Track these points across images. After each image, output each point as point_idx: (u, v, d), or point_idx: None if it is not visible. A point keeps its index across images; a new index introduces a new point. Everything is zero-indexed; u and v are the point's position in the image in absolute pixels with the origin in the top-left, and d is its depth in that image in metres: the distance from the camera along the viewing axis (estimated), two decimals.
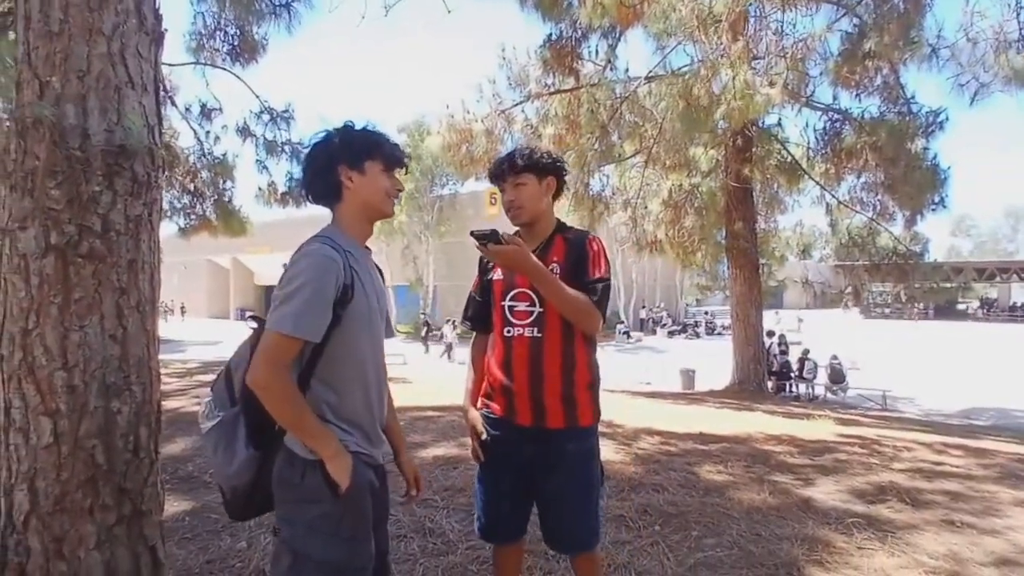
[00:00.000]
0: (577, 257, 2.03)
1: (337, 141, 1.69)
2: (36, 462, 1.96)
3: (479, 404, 2.20)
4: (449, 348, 22.37)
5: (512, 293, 2.07)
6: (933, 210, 11.51)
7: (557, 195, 2.18)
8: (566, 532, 2.10)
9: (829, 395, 15.11)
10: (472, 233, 1.89)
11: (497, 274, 2.13)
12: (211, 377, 9.73)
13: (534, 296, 2.02)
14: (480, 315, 2.23)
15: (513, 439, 2.06)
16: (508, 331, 2.06)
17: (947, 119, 10.78)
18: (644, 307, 35.62)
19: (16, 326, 1.96)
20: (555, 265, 2.02)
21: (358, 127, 1.72)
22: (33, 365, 1.94)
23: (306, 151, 1.73)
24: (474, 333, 2.31)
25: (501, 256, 1.86)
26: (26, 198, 1.94)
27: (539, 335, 2.01)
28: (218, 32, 9.03)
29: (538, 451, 2.03)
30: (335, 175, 1.66)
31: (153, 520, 2.16)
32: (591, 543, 2.12)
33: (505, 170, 2.08)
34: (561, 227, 2.16)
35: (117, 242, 2.03)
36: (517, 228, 2.17)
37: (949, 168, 11.06)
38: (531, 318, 2.02)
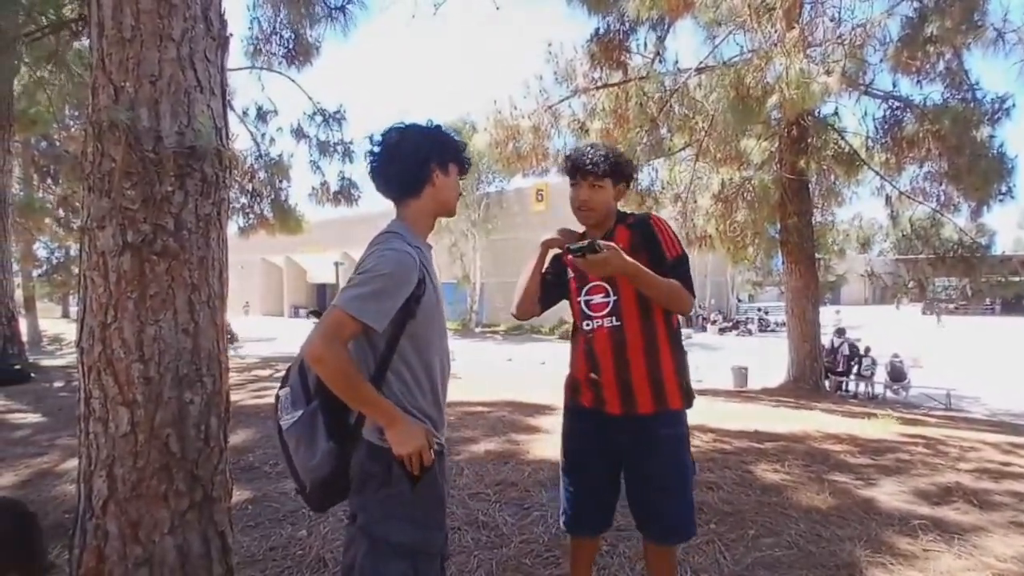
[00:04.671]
0: (645, 239, 2.03)
1: (433, 139, 1.72)
2: (114, 450, 2.06)
3: (566, 398, 2.20)
4: None
5: (587, 287, 2.09)
6: (1000, 200, 10.97)
7: (623, 198, 2.20)
8: (661, 519, 2.08)
9: (889, 394, 14.57)
10: (571, 248, 1.87)
11: (569, 273, 2.16)
12: (268, 372, 10.02)
13: (608, 287, 2.03)
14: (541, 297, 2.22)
15: (604, 430, 2.07)
16: (588, 324, 2.08)
17: (1014, 106, 10.27)
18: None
19: (96, 320, 2.07)
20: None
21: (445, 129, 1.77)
22: (112, 357, 2.05)
23: (389, 140, 1.72)
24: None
25: (603, 264, 1.85)
26: (104, 198, 2.04)
27: (618, 323, 2.02)
28: (274, 36, 9.29)
29: (630, 439, 2.03)
30: (427, 171, 1.70)
31: (223, 506, 2.25)
32: (688, 532, 2.11)
33: (588, 170, 2.06)
34: (620, 216, 2.16)
35: (189, 240, 2.12)
36: (584, 227, 2.18)
37: (1016, 157, 10.54)
38: (608, 308, 2.04)
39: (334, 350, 1.51)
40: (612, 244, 1.87)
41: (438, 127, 1.76)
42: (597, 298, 2.06)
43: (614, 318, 2.03)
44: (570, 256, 1.89)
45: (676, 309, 2.01)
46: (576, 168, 2.10)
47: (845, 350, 15.19)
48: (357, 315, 1.51)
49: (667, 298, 1.96)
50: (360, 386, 1.54)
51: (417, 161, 1.70)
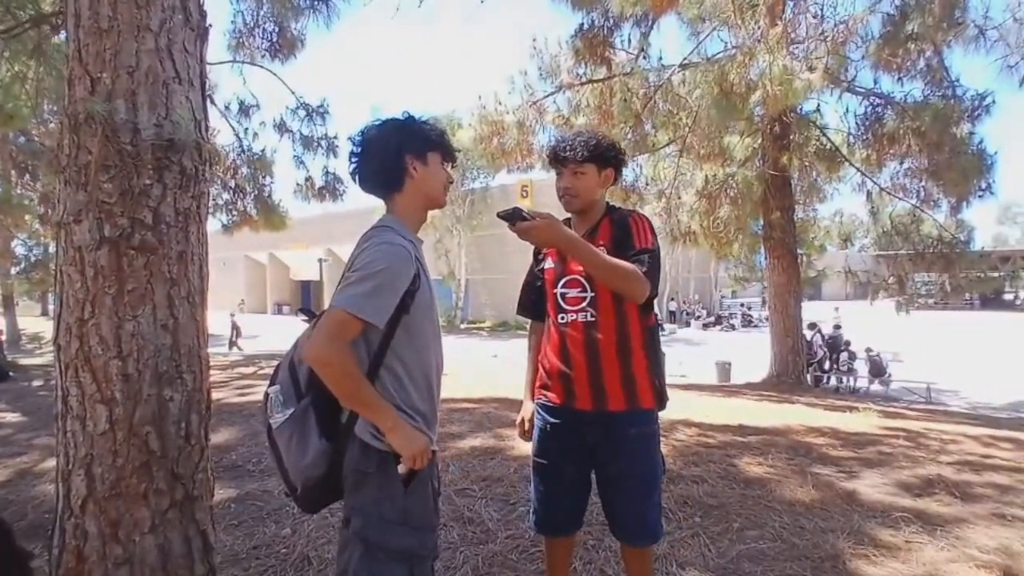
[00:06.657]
0: (621, 234, 2.01)
1: (404, 130, 1.69)
2: (93, 448, 2.02)
3: (536, 395, 2.19)
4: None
5: (564, 280, 2.07)
6: (980, 196, 11.10)
7: (612, 185, 2.17)
8: (632, 521, 2.06)
9: (871, 388, 14.75)
10: (497, 215, 1.88)
11: (548, 263, 2.14)
12: (252, 369, 9.93)
13: (585, 282, 2.01)
14: (534, 304, 2.23)
15: (573, 426, 2.05)
16: (562, 317, 2.06)
17: (994, 103, 10.37)
18: (673, 299, 35.29)
19: (72, 316, 2.02)
20: (602, 247, 1.97)
21: (420, 118, 1.73)
22: (89, 354, 2.00)
23: (364, 138, 1.71)
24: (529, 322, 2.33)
25: (531, 233, 1.83)
26: (80, 192, 2.00)
27: (592, 318, 2.00)
28: (257, 29, 9.18)
29: (600, 436, 2.01)
30: (402, 164, 1.67)
31: (204, 505, 2.22)
32: (655, 534, 2.10)
33: (568, 157, 2.05)
34: (610, 210, 2.14)
35: (167, 234, 2.08)
36: (569, 215, 2.16)
37: (996, 153, 10.64)
38: (584, 303, 2.02)
39: (341, 353, 1.49)
40: (547, 214, 1.85)
41: (410, 117, 1.73)
42: (573, 292, 2.04)
43: (589, 313, 2.01)
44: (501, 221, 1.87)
45: (626, 292, 1.92)
46: (556, 156, 2.09)
47: (819, 339, 15.40)
48: (359, 313, 1.49)
49: (613, 277, 1.88)
50: (364, 389, 1.53)
51: (390, 155, 1.67)
